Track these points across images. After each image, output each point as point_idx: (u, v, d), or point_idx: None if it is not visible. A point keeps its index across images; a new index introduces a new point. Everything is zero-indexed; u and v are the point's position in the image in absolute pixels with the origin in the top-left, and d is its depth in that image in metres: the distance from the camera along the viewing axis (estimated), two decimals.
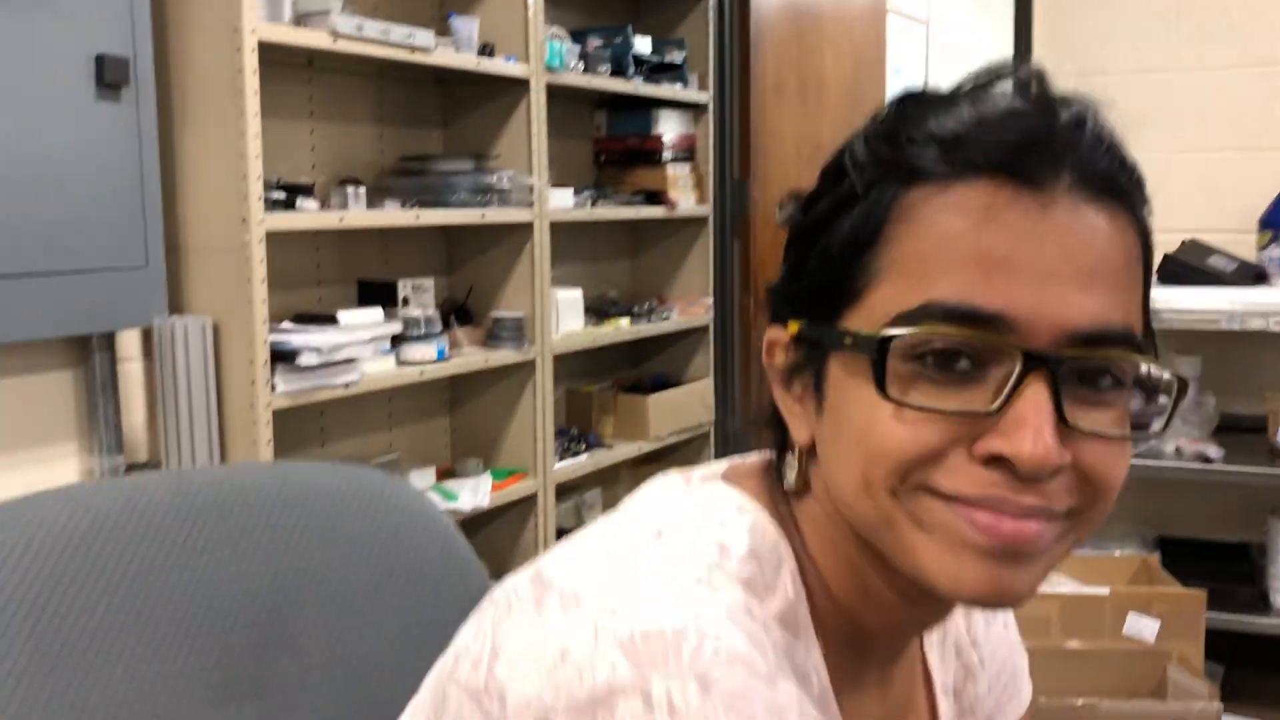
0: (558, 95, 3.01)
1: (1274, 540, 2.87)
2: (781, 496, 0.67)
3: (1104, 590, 2.44)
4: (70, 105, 1.96)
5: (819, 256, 0.62)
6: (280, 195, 2.28)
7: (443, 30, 2.67)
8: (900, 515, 0.58)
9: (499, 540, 2.92)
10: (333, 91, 2.66)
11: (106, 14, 2.00)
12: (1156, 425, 0.61)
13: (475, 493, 2.71)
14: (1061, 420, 0.56)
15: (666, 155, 3.45)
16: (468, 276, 2.96)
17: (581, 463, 3.10)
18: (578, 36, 3.12)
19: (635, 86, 3.26)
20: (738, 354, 3.77)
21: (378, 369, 2.46)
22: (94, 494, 0.81)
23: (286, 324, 2.36)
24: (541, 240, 2.89)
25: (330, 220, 2.39)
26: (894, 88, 3.29)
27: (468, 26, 2.67)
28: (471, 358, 2.73)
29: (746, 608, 0.58)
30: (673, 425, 3.42)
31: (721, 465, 0.70)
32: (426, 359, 2.58)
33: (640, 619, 0.55)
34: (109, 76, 1.99)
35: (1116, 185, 0.59)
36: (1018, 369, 0.55)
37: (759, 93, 3.82)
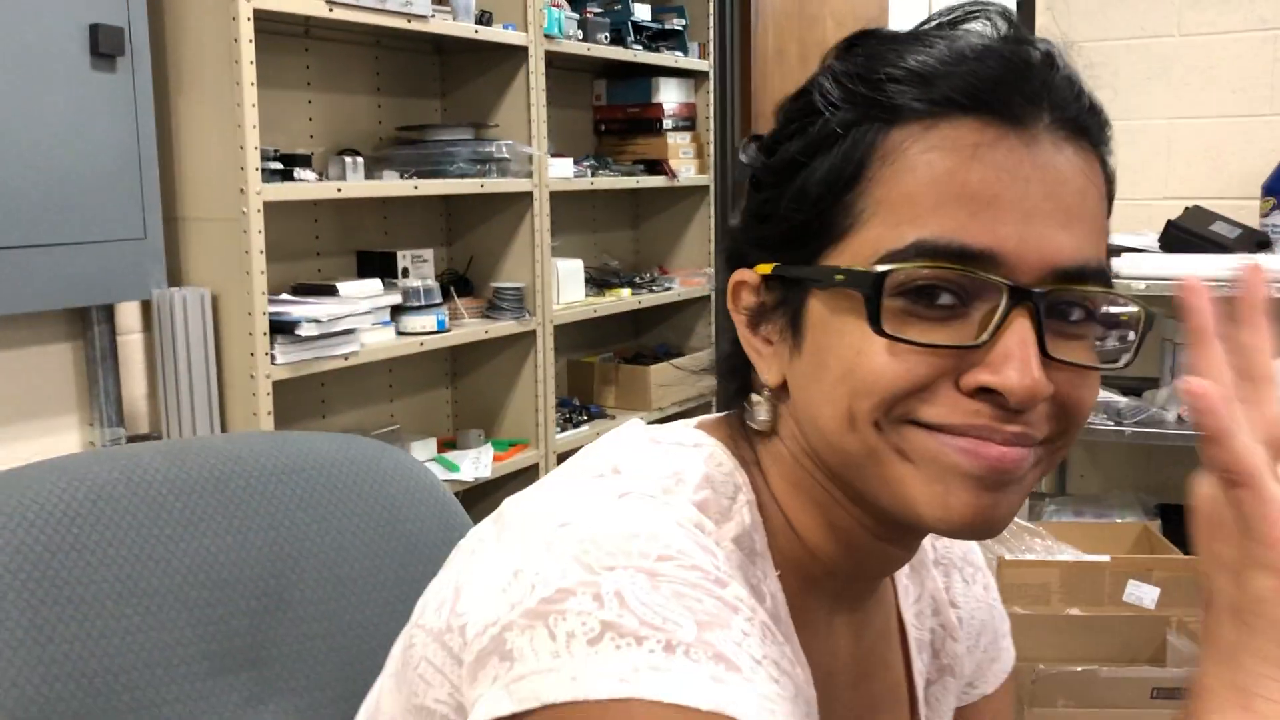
0: (557, 63, 2.99)
1: None
2: (743, 438, 0.68)
3: (1104, 558, 2.45)
4: (65, 76, 1.94)
5: (794, 198, 0.62)
6: (278, 166, 2.27)
7: None
8: (885, 447, 0.59)
9: (505, 500, 2.92)
10: (330, 61, 2.64)
11: None
12: (1124, 358, 0.62)
13: (477, 464, 2.71)
14: (1043, 353, 0.57)
15: (667, 124, 3.43)
16: (468, 247, 2.95)
17: (583, 433, 3.10)
18: (576, 4, 3.09)
19: (635, 54, 3.24)
20: None
21: (377, 340, 2.46)
22: (90, 465, 0.81)
23: (285, 295, 2.36)
24: (541, 210, 2.88)
25: (328, 190, 2.38)
26: None
27: None
28: (472, 328, 2.73)
29: (698, 524, 0.59)
30: (675, 395, 3.41)
31: (691, 421, 0.71)
32: (426, 330, 2.57)
33: (590, 528, 0.56)
34: (103, 46, 1.98)
35: (1089, 126, 0.61)
36: (1004, 303, 0.57)
37: (760, 60, 3.80)
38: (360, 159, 2.47)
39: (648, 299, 3.35)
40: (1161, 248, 2.97)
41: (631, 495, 0.60)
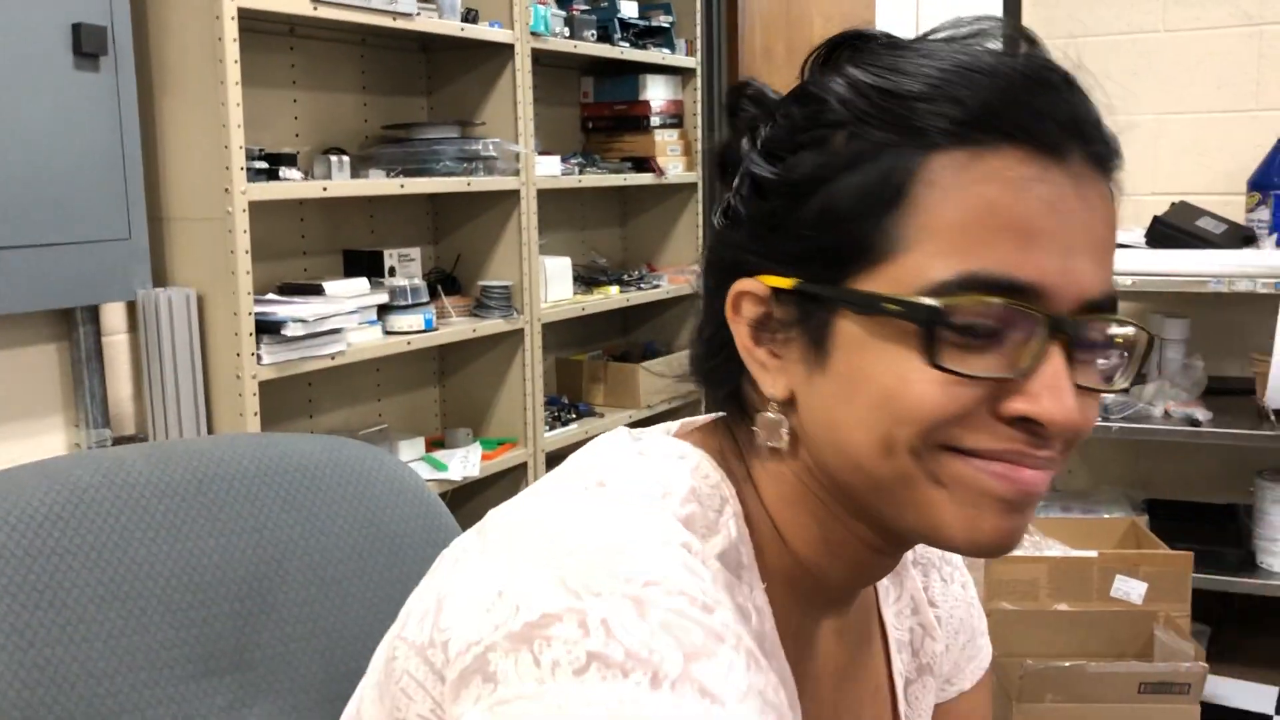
0: (543, 61, 2.98)
1: (1261, 502, 2.88)
2: (732, 449, 0.67)
3: (1092, 553, 2.46)
4: (47, 76, 1.93)
5: (819, 215, 0.60)
6: (263, 165, 2.26)
7: None
8: (919, 474, 0.59)
9: (490, 510, 2.91)
10: (315, 60, 2.63)
11: None
12: (1122, 382, 0.64)
13: (465, 463, 2.71)
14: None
15: (654, 121, 3.43)
16: (455, 245, 2.95)
17: (572, 431, 3.10)
18: (563, 1, 3.09)
19: (622, 51, 3.23)
20: None
21: (364, 339, 2.45)
22: (72, 467, 0.80)
23: (271, 295, 2.35)
24: (529, 208, 2.88)
25: (314, 190, 2.37)
26: None
27: None
28: (460, 327, 2.72)
29: (684, 543, 0.59)
30: (663, 393, 3.41)
31: (673, 426, 0.71)
32: (414, 329, 2.57)
33: (576, 546, 0.56)
34: (86, 45, 1.97)
35: (1112, 162, 0.62)
36: (1043, 335, 0.58)
37: (747, 58, 3.79)
38: (346, 158, 2.46)
39: (636, 297, 3.35)
40: (1148, 243, 2.98)
41: (617, 510, 0.60)
